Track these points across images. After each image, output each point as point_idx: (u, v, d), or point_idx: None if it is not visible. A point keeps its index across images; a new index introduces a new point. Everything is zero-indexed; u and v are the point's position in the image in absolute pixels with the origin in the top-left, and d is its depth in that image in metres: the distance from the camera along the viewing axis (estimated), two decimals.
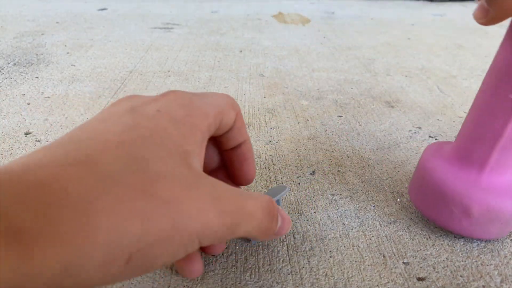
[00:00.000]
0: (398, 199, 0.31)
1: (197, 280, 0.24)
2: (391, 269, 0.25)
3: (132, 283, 0.23)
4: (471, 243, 0.27)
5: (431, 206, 0.27)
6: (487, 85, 0.23)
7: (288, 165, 0.36)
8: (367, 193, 0.32)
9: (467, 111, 0.47)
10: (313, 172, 0.35)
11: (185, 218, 0.14)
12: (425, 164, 0.27)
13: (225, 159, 0.24)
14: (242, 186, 0.26)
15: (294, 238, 0.27)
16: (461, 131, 0.26)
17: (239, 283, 0.24)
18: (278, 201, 0.27)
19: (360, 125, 0.43)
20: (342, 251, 0.26)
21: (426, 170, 0.27)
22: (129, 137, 0.15)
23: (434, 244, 0.27)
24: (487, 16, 0.20)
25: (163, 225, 0.14)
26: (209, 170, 0.25)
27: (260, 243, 0.27)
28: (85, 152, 0.14)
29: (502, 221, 0.25)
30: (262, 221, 0.18)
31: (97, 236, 0.12)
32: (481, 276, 0.24)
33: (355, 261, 0.25)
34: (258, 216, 0.18)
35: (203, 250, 0.24)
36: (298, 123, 0.44)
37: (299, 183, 0.33)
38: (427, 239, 0.27)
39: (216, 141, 0.23)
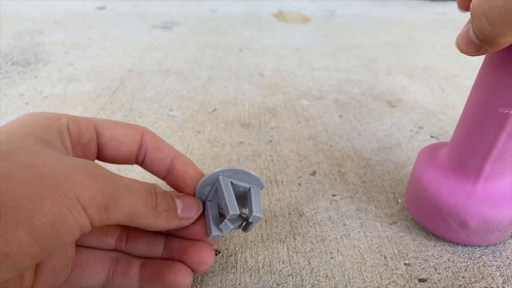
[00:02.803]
0: (400, 200, 0.31)
1: (197, 281, 0.23)
2: (392, 270, 0.24)
3: None
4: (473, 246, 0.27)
5: (427, 218, 0.27)
6: (475, 100, 0.23)
7: (288, 165, 0.35)
8: (368, 194, 0.32)
9: None
10: (314, 172, 0.35)
11: (50, 172, 0.15)
12: (420, 176, 0.27)
13: (172, 186, 0.24)
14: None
15: (295, 239, 0.27)
16: (453, 142, 0.26)
17: (239, 285, 0.23)
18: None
19: (361, 125, 0.43)
20: (343, 252, 0.26)
21: (421, 183, 0.27)
22: None
23: (435, 245, 0.27)
24: (479, 51, 0.18)
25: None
26: None
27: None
28: None
29: (500, 229, 0.25)
30: (146, 196, 0.18)
31: None
32: (483, 277, 0.24)
33: (356, 262, 0.25)
34: (140, 190, 0.18)
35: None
36: (299, 123, 0.43)
37: (299, 184, 0.33)
38: (428, 240, 0.27)
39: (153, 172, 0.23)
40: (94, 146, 0.21)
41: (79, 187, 0.15)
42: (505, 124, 0.22)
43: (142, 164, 0.23)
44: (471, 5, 0.17)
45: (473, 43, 0.18)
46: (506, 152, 0.23)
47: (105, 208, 0.16)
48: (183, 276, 0.21)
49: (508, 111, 0.21)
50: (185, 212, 0.21)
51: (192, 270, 0.22)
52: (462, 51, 0.19)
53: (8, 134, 0.17)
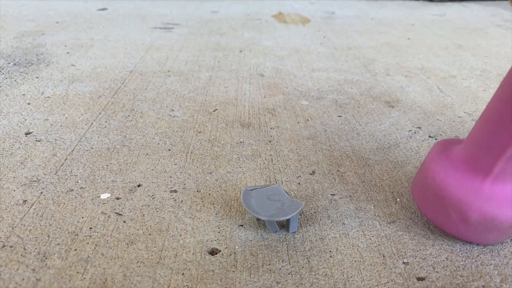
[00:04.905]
0: (398, 199, 0.31)
1: (197, 280, 0.24)
2: (391, 269, 0.25)
3: (132, 283, 0.23)
4: (471, 243, 0.27)
5: (430, 206, 0.27)
6: (499, 96, 0.23)
7: (288, 165, 0.36)
8: (367, 193, 0.32)
9: (467, 111, 0.47)
10: (313, 172, 0.35)
11: None
12: (430, 164, 0.27)
13: None
14: None
15: (294, 238, 0.27)
16: (470, 137, 0.26)
17: (238, 283, 0.24)
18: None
19: (360, 125, 0.43)
20: (342, 251, 0.26)
21: (430, 170, 0.27)
22: None
23: (434, 244, 0.27)
24: None
25: None
26: None
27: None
28: None
29: (500, 230, 0.25)
30: None
31: None
32: (481, 276, 0.24)
33: (355, 261, 0.25)
34: None
35: None
36: (298, 123, 0.44)
37: (299, 183, 0.33)
38: (427, 239, 0.27)
39: None
40: None
41: None
42: None
43: None
44: None
45: None
46: None
47: None
48: None
49: None
50: None
51: None
52: None
53: None
